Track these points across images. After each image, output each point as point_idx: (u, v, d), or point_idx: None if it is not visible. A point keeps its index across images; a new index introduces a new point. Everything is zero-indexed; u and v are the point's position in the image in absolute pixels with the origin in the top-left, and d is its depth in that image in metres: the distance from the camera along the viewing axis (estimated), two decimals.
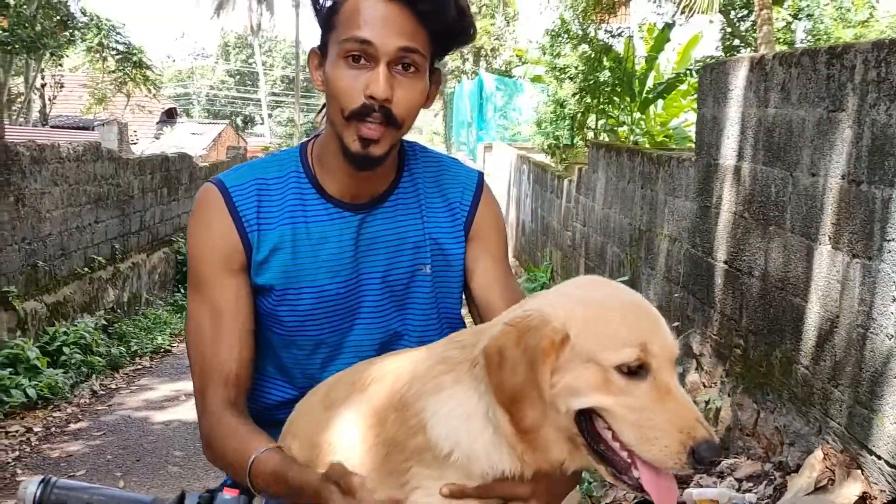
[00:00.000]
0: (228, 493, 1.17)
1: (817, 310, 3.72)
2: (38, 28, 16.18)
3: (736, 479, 4.10)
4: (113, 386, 7.94)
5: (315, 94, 39.21)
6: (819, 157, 3.75)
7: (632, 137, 11.45)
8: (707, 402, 4.88)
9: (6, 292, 7.37)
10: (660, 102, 11.99)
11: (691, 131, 8.66)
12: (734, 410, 4.57)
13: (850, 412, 3.42)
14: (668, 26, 12.37)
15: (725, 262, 4.79)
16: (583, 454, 1.25)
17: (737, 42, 15.34)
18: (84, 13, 19.85)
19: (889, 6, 13.90)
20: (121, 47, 21.47)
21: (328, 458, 1.39)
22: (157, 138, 27.14)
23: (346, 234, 1.63)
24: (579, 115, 12.45)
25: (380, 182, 1.67)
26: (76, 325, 8.42)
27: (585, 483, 4.35)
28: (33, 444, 6.09)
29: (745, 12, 15.08)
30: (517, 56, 22.51)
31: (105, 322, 9.43)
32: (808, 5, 14.21)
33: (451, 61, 30.24)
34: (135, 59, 21.52)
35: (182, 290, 12.06)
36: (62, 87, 23.83)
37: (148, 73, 22.35)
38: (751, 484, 4.00)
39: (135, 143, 23.65)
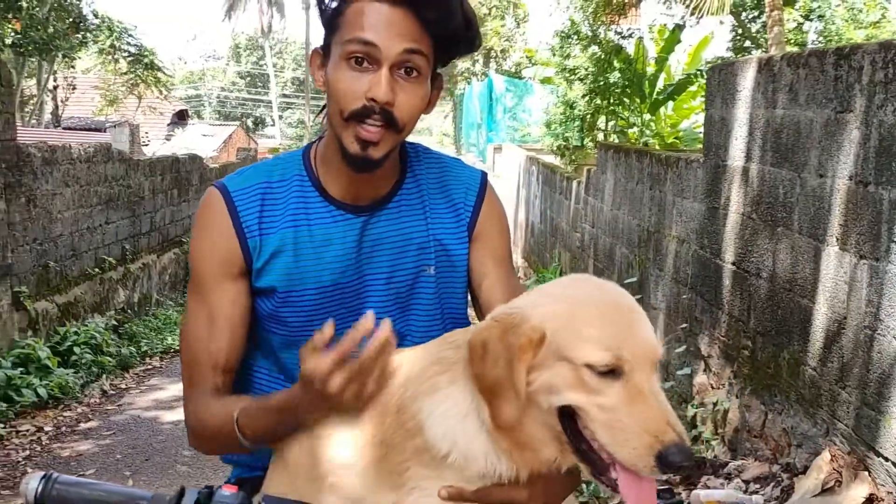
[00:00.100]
0: (227, 490, 1.18)
1: (825, 311, 3.71)
2: (51, 30, 16.30)
3: (743, 481, 4.09)
4: (123, 386, 7.98)
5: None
6: (827, 158, 3.75)
7: (642, 139, 11.43)
8: (715, 404, 4.87)
9: (18, 292, 7.41)
10: (670, 104, 11.96)
11: (702, 133, 8.64)
12: (742, 412, 4.56)
13: (857, 414, 3.41)
14: (679, 28, 12.35)
15: (733, 264, 4.78)
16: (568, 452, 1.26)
17: (748, 43, 15.30)
18: (96, 15, 19.99)
19: None
20: (132, 49, 21.61)
21: (327, 459, 1.40)
22: (169, 140, 27.23)
23: (349, 236, 1.64)
24: (589, 116, 12.45)
25: (382, 184, 1.67)
26: (87, 326, 8.47)
27: (593, 483, 4.35)
28: (44, 443, 6.12)
29: (756, 13, 15.04)
30: (527, 57, 22.52)
31: (115, 322, 9.48)
32: (819, 6, 14.16)
33: (461, 63, 30.27)
34: (146, 60, 21.66)
35: None
36: (74, 88, 24.00)
37: (159, 74, 22.49)
38: (758, 485, 3.99)
39: (146, 145, 23.74)
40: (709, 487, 4.11)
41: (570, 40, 12.56)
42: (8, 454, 5.81)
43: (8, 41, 15.73)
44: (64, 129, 21.82)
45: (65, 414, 6.82)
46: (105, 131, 20.63)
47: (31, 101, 22.67)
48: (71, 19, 18.24)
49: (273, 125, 46.52)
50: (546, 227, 12.09)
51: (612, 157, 8.02)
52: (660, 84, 11.70)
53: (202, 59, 55.92)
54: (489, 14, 30.42)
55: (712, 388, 5.05)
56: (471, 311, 1.78)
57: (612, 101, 11.89)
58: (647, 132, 11.58)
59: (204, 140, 27.36)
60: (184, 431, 1.73)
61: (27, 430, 6.29)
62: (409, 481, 1.32)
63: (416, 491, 1.31)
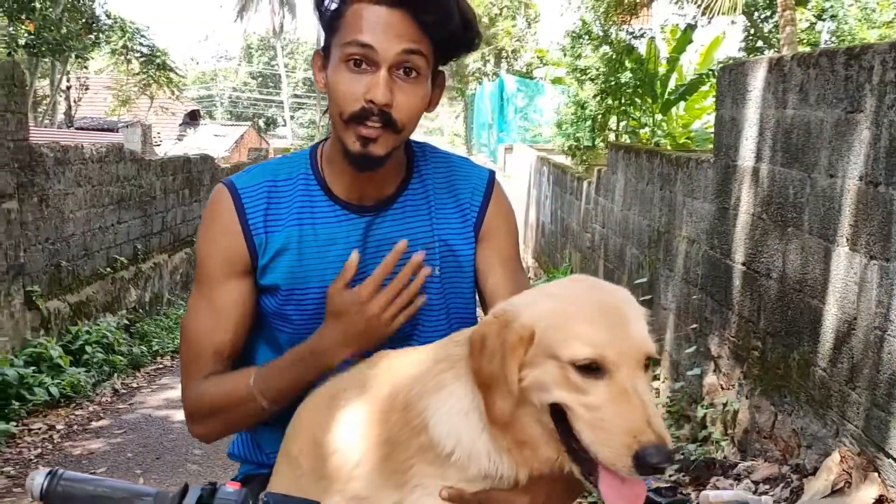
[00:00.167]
0: (231, 486, 1.19)
1: (835, 312, 3.70)
2: (64, 31, 16.39)
3: (753, 482, 4.08)
4: (134, 385, 8.02)
5: None
6: (837, 158, 3.73)
7: (653, 139, 11.40)
8: (725, 405, 4.86)
9: (30, 292, 7.46)
10: (682, 104, 11.92)
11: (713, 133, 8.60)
12: (752, 413, 4.54)
13: (867, 415, 3.40)
14: (691, 27, 12.30)
15: (743, 264, 4.77)
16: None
17: (760, 43, 15.24)
18: (109, 16, 20.10)
19: None
20: (145, 50, 21.71)
21: (332, 456, 1.40)
22: (181, 140, 27.36)
23: (353, 236, 1.65)
24: (600, 116, 12.42)
25: (386, 184, 1.68)
26: (98, 325, 8.51)
27: None
28: (55, 441, 6.16)
29: (768, 13, 14.98)
30: (538, 57, 22.50)
31: (127, 322, 9.53)
32: (831, 6, 14.09)
33: (472, 63, 30.28)
34: (159, 61, 21.75)
35: None
36: (87, 89, 24.14)
37: (171, 75, 22.58)
38: (767, 486, 3.98)
39: (158, 145, 23.87)
40: (718, 488, 4.10)
41: (581, 40, 12.54)
42: (20, 452, 5.85)
43: (21, 42, 15.84)
44: (76, 129, 21.94)
45: (76, 412, 6.86)
46: (117, 131, 20.76)
47: (45, 102, 22.80)
48: (84, 20, 18.35)
49: (284, 125, 46.65)
50: (557, 228, 12.07)
51: (623, 158, 8.01)
52: (671, 84, 11.65)
53: (214, 60, 56.23)
54: (500, 14, 30.39)
55: (722, 388, 5.04)
56: (480, 312, 1.79)
57: (623, 101, 11.85)
58: (659, 132, 11.53)
59: (216, 140, 27.48)
60: None
61: (39, 429, 6.33)
62: (413, 479, 1.32)
63: (418, 489, 1.31)
